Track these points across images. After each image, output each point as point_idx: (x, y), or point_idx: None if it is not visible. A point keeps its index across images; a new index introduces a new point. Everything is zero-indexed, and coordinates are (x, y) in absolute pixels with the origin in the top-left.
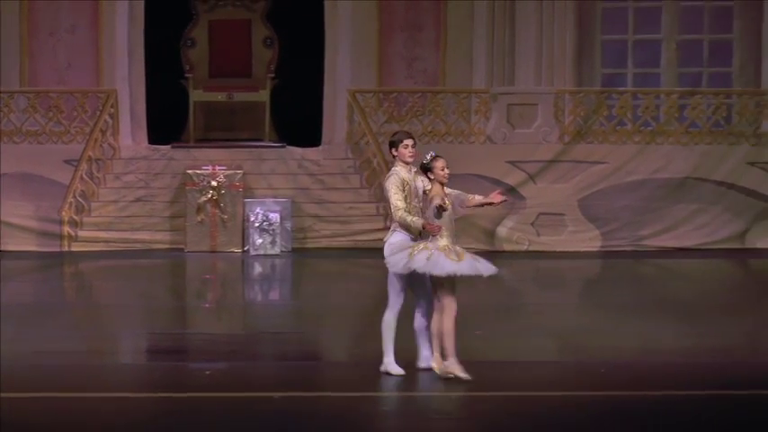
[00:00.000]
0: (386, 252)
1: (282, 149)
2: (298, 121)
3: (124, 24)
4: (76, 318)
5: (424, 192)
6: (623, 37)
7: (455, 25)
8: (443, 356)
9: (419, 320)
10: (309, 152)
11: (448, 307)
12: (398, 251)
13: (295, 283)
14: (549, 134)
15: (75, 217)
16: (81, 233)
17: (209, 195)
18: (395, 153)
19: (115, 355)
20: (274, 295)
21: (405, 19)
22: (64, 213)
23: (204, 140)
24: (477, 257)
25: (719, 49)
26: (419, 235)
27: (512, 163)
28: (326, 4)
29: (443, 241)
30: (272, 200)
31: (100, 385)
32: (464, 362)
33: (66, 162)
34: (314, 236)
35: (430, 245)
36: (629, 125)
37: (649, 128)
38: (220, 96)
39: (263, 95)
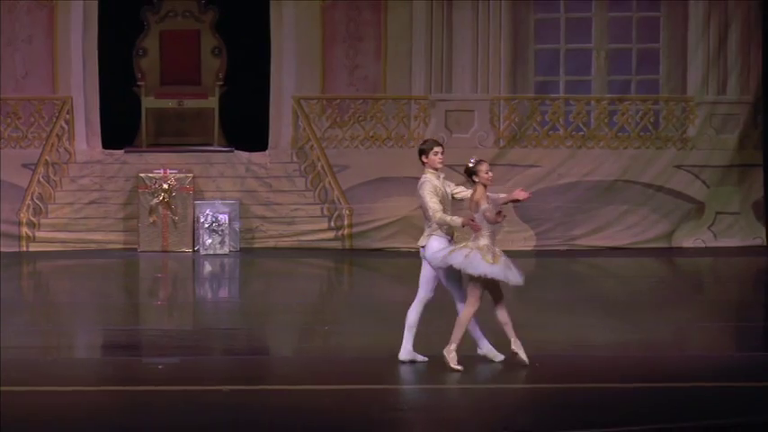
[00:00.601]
0: (427, 253)
1: (230, 154)
2: (245, 126)
3: (79, 35)
4: (34, 315)
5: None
6: (555, 46)
7: (395, 35)
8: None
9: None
10: (256, 156)
11: (470, 301)
12: (440, 250)
13: (243, 281)
14: (485, 139)
15: (32, 218)
16: (38, 234)
17: (161, 198)
18: (425, 160)
19: (71, 350)
20: (223, 293)
21: (346, 29)
22: (22, 215)
23: (156, 145)
24: (510, 264)
25: (647, 57)
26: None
27: (450, 166)
28: (272, 16)
29: (484, 240)
30: (220, 202)
31: (56, 379)
32: (394, 358)
33: (24, 166)
34: (261, 236)
35: (471, 243)
36: (562, 130)
37: (581, 133)
38: (171, 103)
39: (212, 102)
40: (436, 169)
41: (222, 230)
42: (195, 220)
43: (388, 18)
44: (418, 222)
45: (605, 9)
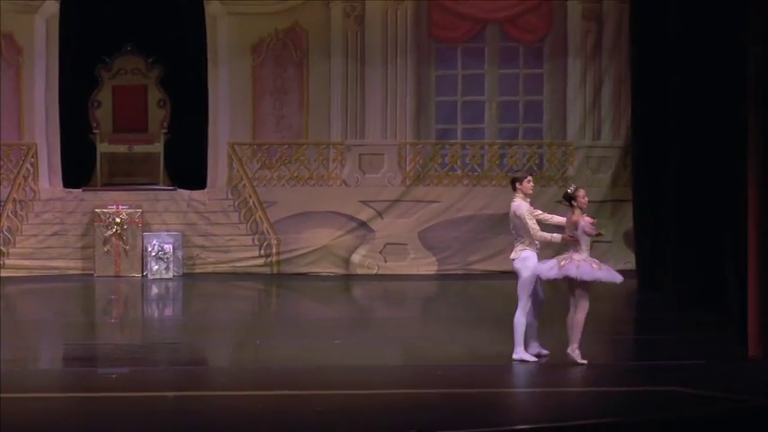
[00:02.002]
0: (519, 265)
1: (174, 192)
2: (186, 168)
3: (42, 89)
4: (2, 331)
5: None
6: (453, 98)
7: (315, 89)
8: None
9: (530, 319)
10: (196, 194)
11: (582, 305)
12: (540, 263)
13: (185, 302)
14: (393, 178)
15: (2, 248)
16: (7, 261)
17: (114, 230)
18: (518, 186)
19: (36, 362)
20: (168, 312)
21: (273, 84)
22: None
23: (109, 185)
24: (609, 267)
25: (532, 108)
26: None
27: (363, 202)
28: (210, 73)
29: (584, 252)
30: (165, 233)
31: (22, 388)
32: (329, 367)
33: None
34: (201, 263)
35: (575, 256)
36: (459, 171)
37: (475, 173)
38: (122, 148)
39: (158, 147)
40: (527, 195)
41: (167, 258)
42: (144, 249)
43: (309, 75)
44: (337, 250)
45: (496, 66)
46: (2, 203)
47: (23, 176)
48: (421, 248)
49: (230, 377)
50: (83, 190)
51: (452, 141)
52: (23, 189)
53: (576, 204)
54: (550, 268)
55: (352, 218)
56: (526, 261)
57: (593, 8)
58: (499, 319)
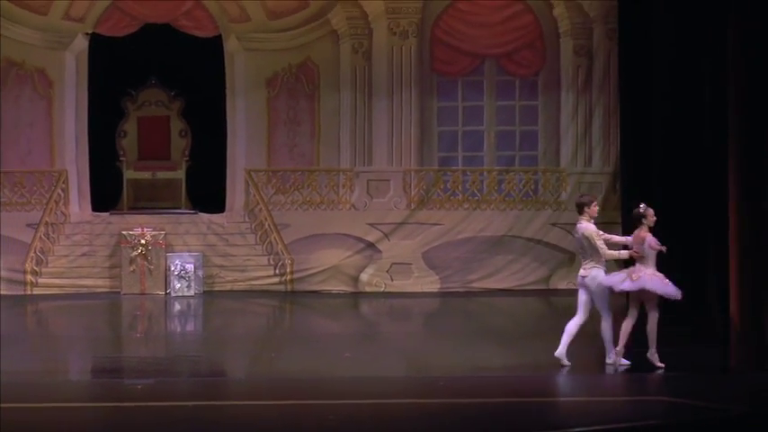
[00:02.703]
0: (590, 282)
1: (195, 215)
2: (206, 193)
3: (72, 120)
4: (35, 345)
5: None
6: (455, 128)
7: (326, 120)
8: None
9: (572, 327)
10: (215, 217)
11: (653, 314)
12: (609, 276)
13: (205, 317)
14: (398, 202)
15: (35, 268)
16: (40, 280)
17: (139, 251)
18: (586, 210)
19: (65, 373)
20: (189, 327)
21: (287, 115)
22: (27, 265)
23: (135, 209)
24: (670, 282)
25: (528, 137)
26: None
27: (371, 225)
28: (228, 104)
29: (651, 268)
30: (187, 254)
31: (53, 398)
32: (339, 378)
33: (29, 226)
34: (220, 281)
35: (645, 270)
36: (460, 195)
37: (475, 197)
38: (146, 175)
39: (180, 174)
40: (593, 217)
41: (189, 277)
42: (167, 269)
43: (320, 106)
44: (346, 270)
45: (494, 98)
46: (35, 226)
47: (55, 201)
48: (425, 268)
49: (247, 388)
50: (110, 214)
51: (454, 168)
52: (55, 213)
53: (645, 222)
54: (622, 281)
55: (360, 239)
56: (596, 278)
57: (585, 45)
58: (497, 333)
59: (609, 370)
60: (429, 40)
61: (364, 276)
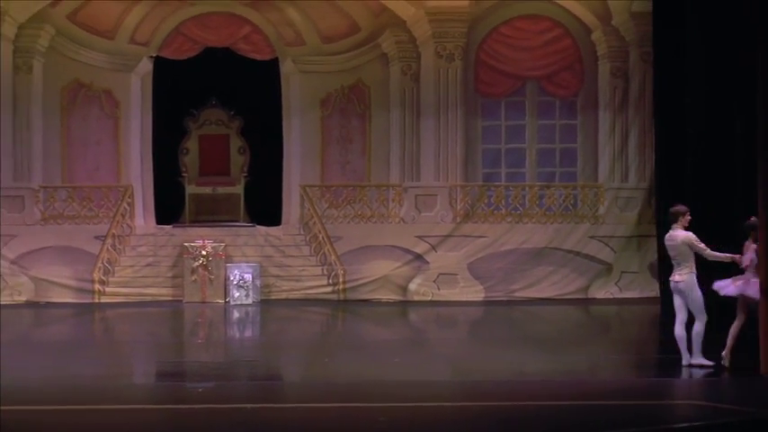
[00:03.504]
0: (684, 287)
1: (253, 228)
2: (264, 207)
3: (137, 138)
4: (102, 350)
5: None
6: (498, 146)
7: (376, 138)
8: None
9: (680, 331)
10: (272, 230)
11: (742, 317)
12: (718, 282)
13: (262, 324)
14: (445, 216)
15: (103, 277)
16: (107, 289)
17: (201, 261)
18: (681, 219)
19: (131, 377)
20: (247, 333)
21: (340, 133)
22: (95, 275)
23: (196, 222)
24: None
25: (567, 154)
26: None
27: (419, 237)
28: (284, 124)
29: (753, 275)
30: (245, 264)
31: (119, 400)
32: (389, 382)
33: (96, 238)
34: (276, 290)
35: (752, 278)
36: (503, 209)
37: (517, 211)
38: (207, 190)
39: (239, 189)
40: (686, 227)
41: (247, 286)
42: (226, 278)
43: (371, 125)
44: (396, 279)
45: (535, 117)
46: (102, 238)
47: (121, 215)
48: (470, 278)
49: (302, 391)
50: (173, 226)
51: (497, 184)
52: (121, 226)
53: (754, 232)
54: (726, 286)
55: (409, 251)
56: (692, 284)
57: (621, 67)
58: (538, 339)
59: (684, 373)
60: (474, 62)
61: (412, 286)
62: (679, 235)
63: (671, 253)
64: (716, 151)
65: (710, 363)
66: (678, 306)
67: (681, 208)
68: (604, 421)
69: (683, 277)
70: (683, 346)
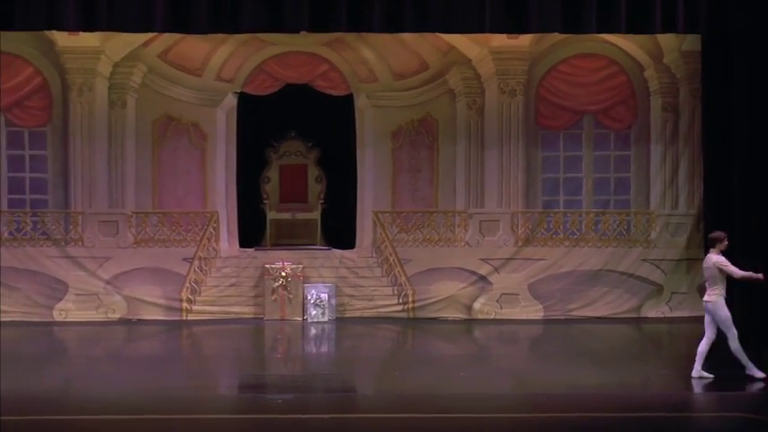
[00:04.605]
0: (712, 307)
1: (329, 251)
2: (339, 232)
3: (222, 168)
4: (190, 363)
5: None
6: (556, 175)
7: (443, 167)
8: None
9: (704, 347)
10: (347, 253)
11: None
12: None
13: (337, 340)
14: (507, 240)
15: (190, 296)
16: (194, 307)
17: (280, 282)
18: (718, 244)
19: (216, 389)
20: (323, 349)
21: (409, 163)
22: (183, 294)
23: (276, 245)
24: None
25: (621, 183)
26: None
27: (483, 260)
28: (358, 154)
29: None
30: (322, 285)
31: (204, 410)
32: (455, 394)
33: (184, 260)
34: (350, 309)
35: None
36: (561, 234)
37: (574, 236)
38: (287, 215)
39: (316, 215)
40: (722, 251)
41: (323, 305)
42: (304, 298)
43: (439, 155)
44: (461, 299)
45: (591, 149)
46: (190, 260)
47: (207, 238)
48: (530, 298)
49: (374, 402)
50: (255, 249)
51: (555, 210)
52: (207, 249)
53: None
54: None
55: (473, 272)
56: (720, 305)
57: (672, 102)
58: (593, 355)
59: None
60: (534, 97)
61: (477, 305)
62: (711, 258)
63: (705, 274)
64: (760, 179)
65: (710, 376)
66: (707, 323)
67: (719, 234)
68: None
69: (712, 298)
70: (699, 359)
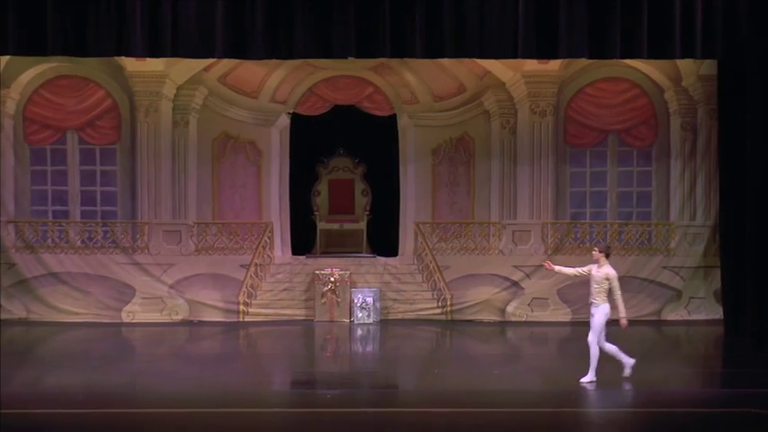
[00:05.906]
0: (595, 310)
1: (374, 258)
2: (383, 241)
3: (276, 182)
4: (247, 362)
5: None
6: (583, 189)
7: (479, 182)
8: None
9: (596, 348)
10: (390, 260)
11: None
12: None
13: (381, 340)
14: (538, 249)
15: (246, 300)
16: (250, 310)
17: (329, 286)
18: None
19: (270, 385)
20: (369, 348)
21: (447, 178)
22: (240, 298)
23: (326, 253)
24: None
25: (643, 196)
26: None
27: (516, 267)
28: (400, 170)
29: None
30: (367, 289)
31: (260, 404)
32: (490, 390)
33: (241, 266)
34: (393, 311)
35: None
36: (588, 243)
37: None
38: (335, 226)
39: (362, 225)
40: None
41: (368, 308)
42: (351, 301)
43: (475, 171)
44: (495, 303)
45: (615, 165)
46: (247, 267)
47: (262, 247)
48: (559, 302)
49: (416, 398)
50: (306, 257)
51: (582, 221)
52: (262, 256)
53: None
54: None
55: (507, 278)
56: (601, 310)
57: (690, 122)
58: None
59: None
60: (563, 118)
61: (510, 308)
62: (606, 271)
63: (594, 285)
64: None
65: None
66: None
67: (602, 245)
68: (675, 426)
69: (596, 304)
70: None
